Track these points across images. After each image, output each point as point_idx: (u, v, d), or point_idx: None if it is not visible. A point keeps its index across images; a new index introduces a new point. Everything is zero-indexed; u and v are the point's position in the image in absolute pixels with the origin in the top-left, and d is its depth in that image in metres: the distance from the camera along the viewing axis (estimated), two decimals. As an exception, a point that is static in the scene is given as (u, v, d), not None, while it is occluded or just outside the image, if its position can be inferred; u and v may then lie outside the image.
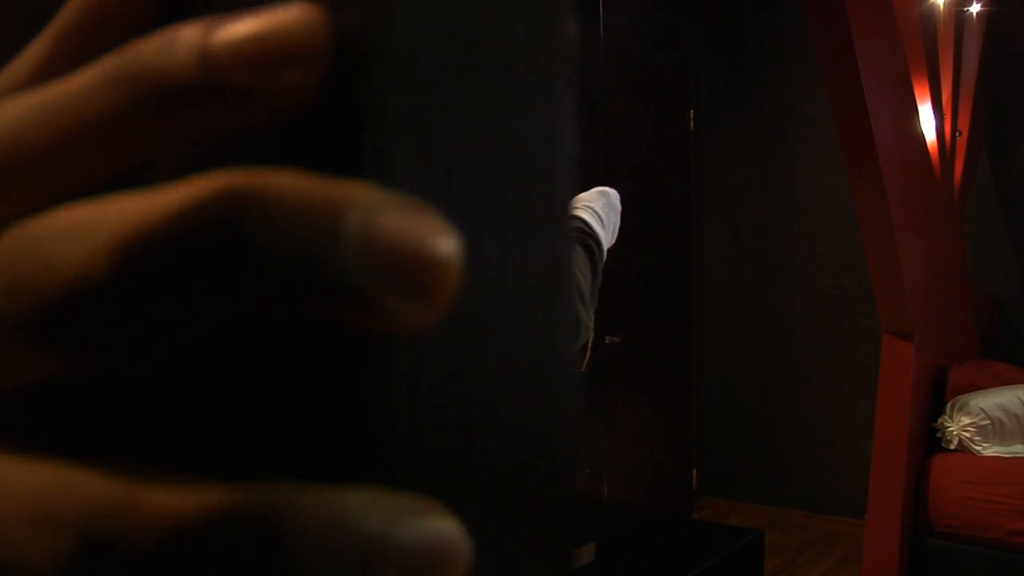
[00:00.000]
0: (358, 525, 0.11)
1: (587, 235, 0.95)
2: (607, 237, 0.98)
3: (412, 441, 0.13)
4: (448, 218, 0.11)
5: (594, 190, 1.02)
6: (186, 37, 0.11)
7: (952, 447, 2.97)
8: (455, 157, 0.13)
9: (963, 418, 2.94)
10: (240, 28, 0.11)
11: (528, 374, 0.14)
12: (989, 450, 2.89)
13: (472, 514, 0.12)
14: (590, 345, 0.91)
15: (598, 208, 0.98)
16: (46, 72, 0.14)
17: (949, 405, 3.02)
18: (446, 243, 0.11)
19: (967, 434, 2.92)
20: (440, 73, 0.12)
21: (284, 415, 0.12)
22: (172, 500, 0.11)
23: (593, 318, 0.90)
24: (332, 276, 0.10)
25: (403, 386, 0.12)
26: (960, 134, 3.55)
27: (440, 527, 0.11)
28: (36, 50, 0.14)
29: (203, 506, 0.11)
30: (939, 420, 3.03)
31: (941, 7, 3.32)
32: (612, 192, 1.03)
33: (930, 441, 3.06)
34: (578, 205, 0.98)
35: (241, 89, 0.11)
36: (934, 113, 3.21)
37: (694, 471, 4.36)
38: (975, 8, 3.47)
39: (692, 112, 4.37)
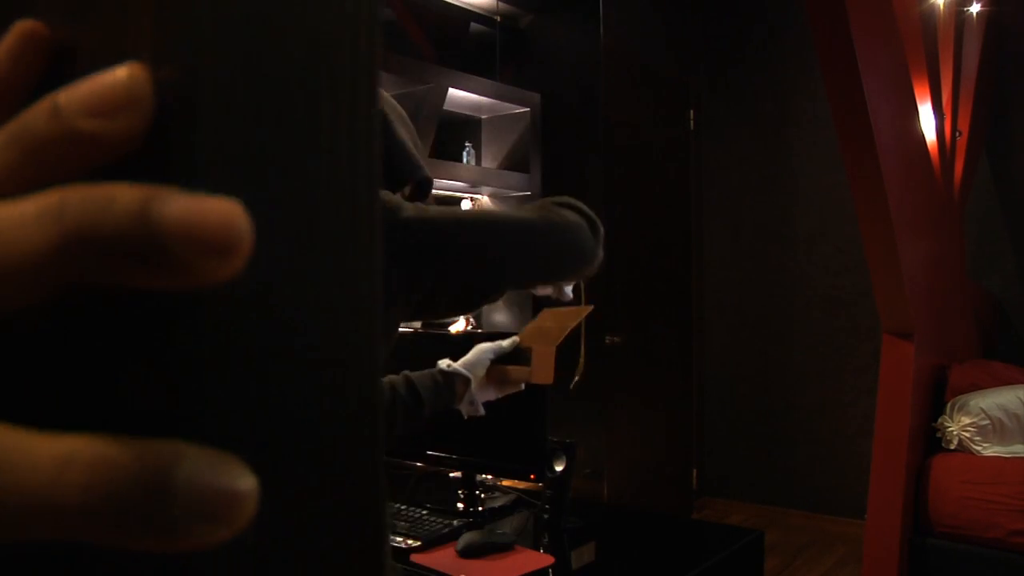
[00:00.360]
0: (157, 472, 0.14)
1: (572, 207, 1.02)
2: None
3: (214, 399, 0.15)
4: (249, 207, 0.15)
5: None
6: (51, 103, 0.15)
7: (952, 447, 2.97)
8: (256, 166, 0.16)
9: (963, 418, 2.94)
10: (82, 88, 0.15)
11: (324, 343, 0.17)
12: (989, 450, 2.89)
13: (268, 466, 0.16)
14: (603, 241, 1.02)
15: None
16: None
17: (949, 405, 3.02)
18: (233, 212, 0.14)
19: (967, 434, 2.92)
20: (247, 107, 0.16)
21: (103, 375, 0.16)
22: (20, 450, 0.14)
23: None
24: (142, 241, 0.14)
25: (207, 353, 0.15)
26: (960, 134, 3.55)
27: (230, 477, 0.14)
28: None
29: (37, 454, 0.14)
30: (939, 420, 3.04)
31: (941, 7, 3.32)
32: None
33: (930, 441, 3.06)
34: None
35: (87, 133, 0.15)
36: (934, 113, 3.21)
37: (694, 471, 4.36)
38: (975, 8, 3.47)
39: (692, 112, 4.37)
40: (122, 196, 0.14)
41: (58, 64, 0.18)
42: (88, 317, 0.16)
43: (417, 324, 1.36)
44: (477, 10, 3.28)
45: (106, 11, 0.16)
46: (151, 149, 0.16)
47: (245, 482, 0.15)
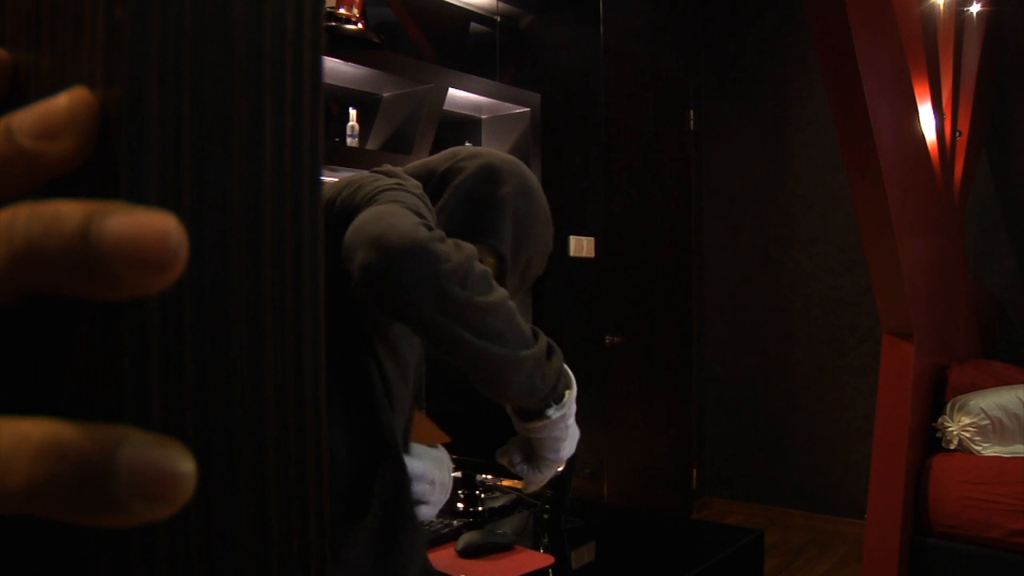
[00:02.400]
0: (101, 452, 0.15)
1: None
2: None
3: (160, 390, 0.17)
4: (195, 220, 0.17)
5: None
6: (4, 124, 0.17)
7: (952, 447, 2.97)
8: (201, 179, 0.17)
9: (963, 418, 2.94)
10: (31, 111, 0.17)
11: (264, 342, 0.19)
12: (989, 450, 2.89)
13: (208, 453, 0.17)
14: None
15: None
16: None
17: (949, 405, 3.02)
18: (170, 229, 0.16)
19: (967, 434, 2.92)
20: (193, 123, 0.17)
21: (61, 366, 0.17)
22: None
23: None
24: (84, 260, 0.15)
25: (154, 347, 0.17)
26: (960, 134, 3.55)
27: (171, 458, 0.16)
28: None
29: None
30: (939, 420, 3.03)
31: (941, 7, 3.32)
32: None
33: (930, 441, 3.06)
34: None
35: (32, 153, 0.17)
36: (934, 113, 3.21)
37: (694, 471, 4.36)
38: (975, 8, 3.47)
39: (692, 112, 4.37)
40: (66, 215, 0.16)
41: (21, 84, 0.19)
42: (44, 313, 0.17)
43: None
44: (477, 10, 3.28)
45: (63, 34, 0.18)
46: (102, 164, 0.17)
47: (185, 464, 0.16)
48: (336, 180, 1.05)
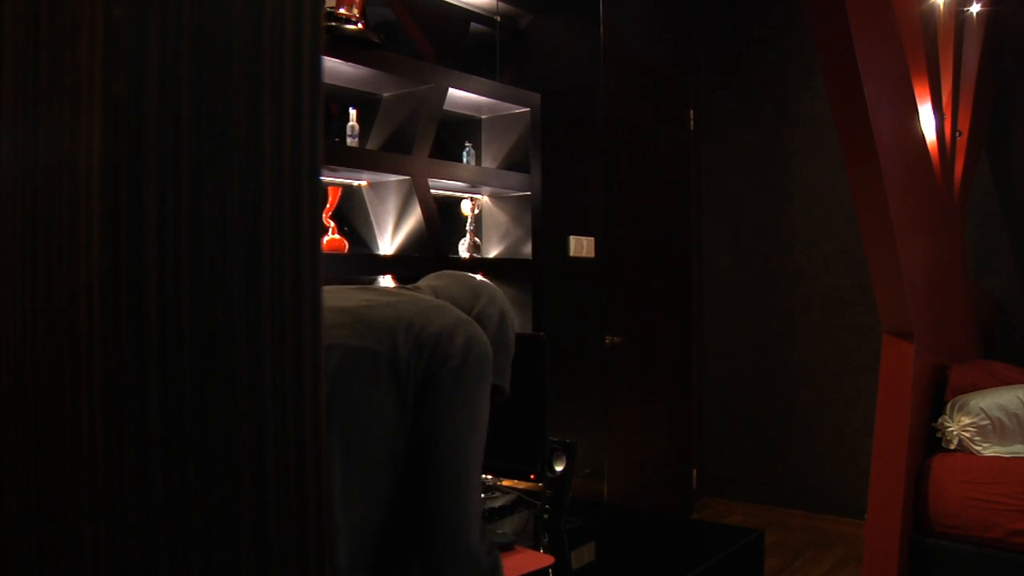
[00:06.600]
0: None
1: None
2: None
3: (160, 390, 0.17)
4: (195, 220, 0.16)
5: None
6: None
7: (952, 447, 2.97)
8: (200, 176, 0.18)
9: (963, 418, 2.94)
10: None
11: (259, 343, 0.18)
12: (989, 450, 2.89)
13: (205, 449, 0.17)
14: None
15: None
16: None
17: (949, 405, 3.02)
18: None
19: (967, 434, 2.92)
20: (191, 123, 0.17)
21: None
22: None
23: None
24: None
25: (153, 348, 0.17)
26: (960, 134, 3.55)
27: None
28: None
29: None
30: (939, 420, 3.03)
31: (941, 7, 3.32)
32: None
33: (930, 441, 3.06)
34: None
35: None
36: (934, 113, 3.20)
37: (694, 471, 4.36)
38: (975, 8, 3.47)
39: (692, 112, 4.37)
40: None
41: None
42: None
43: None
44: (477, 10, 3.28)
45: (61, 32, 0.18)
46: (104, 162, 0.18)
47: None
48: (413, 294, 1.12)
